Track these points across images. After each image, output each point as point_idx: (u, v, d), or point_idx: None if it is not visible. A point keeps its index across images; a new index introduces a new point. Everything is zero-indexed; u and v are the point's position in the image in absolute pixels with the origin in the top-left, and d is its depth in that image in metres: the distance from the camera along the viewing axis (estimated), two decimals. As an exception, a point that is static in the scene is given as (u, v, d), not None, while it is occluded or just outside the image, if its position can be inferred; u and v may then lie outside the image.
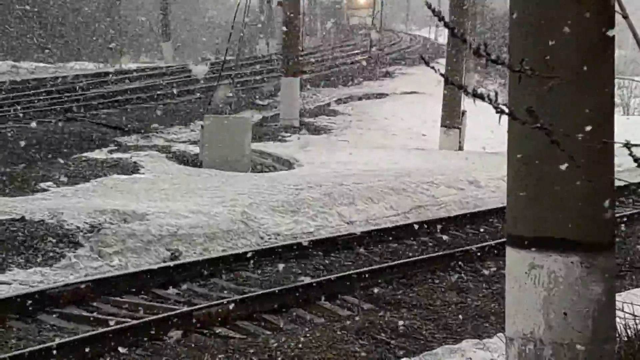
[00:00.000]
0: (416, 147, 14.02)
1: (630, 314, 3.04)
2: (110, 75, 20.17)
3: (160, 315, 4.64)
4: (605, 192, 1.71)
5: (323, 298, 5.41)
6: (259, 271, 6.12)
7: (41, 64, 24.60)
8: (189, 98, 17.02)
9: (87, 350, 4.06)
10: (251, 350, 4.30)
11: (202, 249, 6.49)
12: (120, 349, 4.19)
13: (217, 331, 4.63)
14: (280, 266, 6.17)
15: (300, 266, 6.33)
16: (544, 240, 1.71)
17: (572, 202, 1.67)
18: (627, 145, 1.18)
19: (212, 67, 19.68)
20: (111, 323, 4.50)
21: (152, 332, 4.40)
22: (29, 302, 4.76)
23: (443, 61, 14.38)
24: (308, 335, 4.58)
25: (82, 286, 5.09)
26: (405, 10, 50.90)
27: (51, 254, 5.79)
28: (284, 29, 15.20)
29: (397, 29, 46.56)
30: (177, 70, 21.78)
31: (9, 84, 17.02)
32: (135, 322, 4.53)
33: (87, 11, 31.92)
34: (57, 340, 4.18)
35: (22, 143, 11.05)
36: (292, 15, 14.97)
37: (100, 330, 4.38)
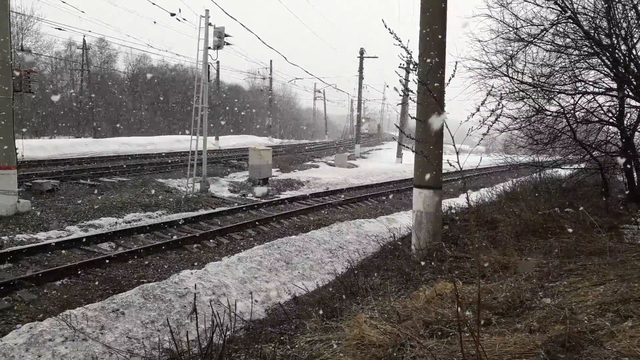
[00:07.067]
0: (389, 163, 32.21)
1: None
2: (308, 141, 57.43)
3: (327, 202, 19.84)
4: (439, 170, 7.59)
5: (366, 200, 20.40)
6: (349, 191, 21.57)
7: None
8: (329, 148, 41.26)
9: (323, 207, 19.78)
10: (349, 210, 19.19)
11: (333, 187, 22.09)
12: (329, 207, 19.92)
13: (337, 207, 19.68)
14: (353, 191, 21.74)
15: (359, 191, 21.87)
16: (422, 186, 7.77)
17: (430, 173, 7.49)
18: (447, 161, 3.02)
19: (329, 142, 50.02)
20: (314, 204, 20.35)
21: (323, 205, 20.01)
22: (301, 197, 20.53)
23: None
24: (363, 207, 19.14)
25: (306, 194, 20.34)
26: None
27: (295, 186, 22.14)
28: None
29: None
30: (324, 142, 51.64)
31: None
32: (318, 204, 20.19)
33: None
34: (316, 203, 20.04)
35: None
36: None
37: (312, 204, 19.96)
